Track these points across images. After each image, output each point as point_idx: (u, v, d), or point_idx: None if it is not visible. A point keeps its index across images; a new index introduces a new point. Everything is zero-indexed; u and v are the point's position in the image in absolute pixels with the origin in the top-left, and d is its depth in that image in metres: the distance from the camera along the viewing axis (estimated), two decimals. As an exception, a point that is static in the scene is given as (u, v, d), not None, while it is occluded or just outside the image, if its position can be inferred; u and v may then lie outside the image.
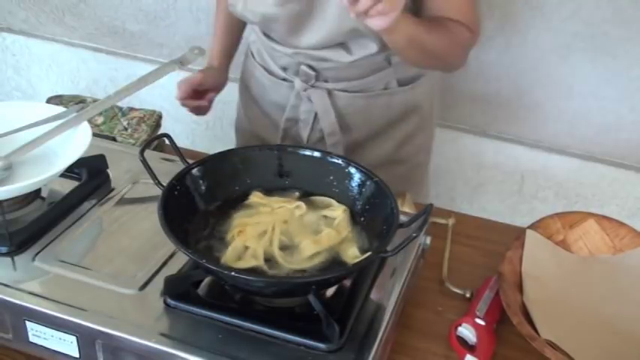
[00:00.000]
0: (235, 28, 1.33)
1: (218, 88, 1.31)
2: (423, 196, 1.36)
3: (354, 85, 1.18)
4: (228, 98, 1.39)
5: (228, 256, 0.80)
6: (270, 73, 1.24)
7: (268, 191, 0.91)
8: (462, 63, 1.13)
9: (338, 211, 0.87)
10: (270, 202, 0.89)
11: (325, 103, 1.19)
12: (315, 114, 1.21)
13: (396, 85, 1.21)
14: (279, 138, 1.27)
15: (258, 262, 0.79)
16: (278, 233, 0.83)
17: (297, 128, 1.25)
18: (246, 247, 0.81)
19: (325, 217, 0.87)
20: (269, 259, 0.80)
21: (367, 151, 1.24)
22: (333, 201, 0.89)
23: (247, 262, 0.79)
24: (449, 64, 1.14)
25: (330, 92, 1.19)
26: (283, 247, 0.82)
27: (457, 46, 1.08)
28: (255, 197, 0.90)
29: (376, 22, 0.88)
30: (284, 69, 1.21)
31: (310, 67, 1.16)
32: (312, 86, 1.18)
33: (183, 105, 1.26)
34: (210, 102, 1.30)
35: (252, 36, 1.28)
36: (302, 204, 0.88)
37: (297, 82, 1.19)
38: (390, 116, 1.23)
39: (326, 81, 1.18)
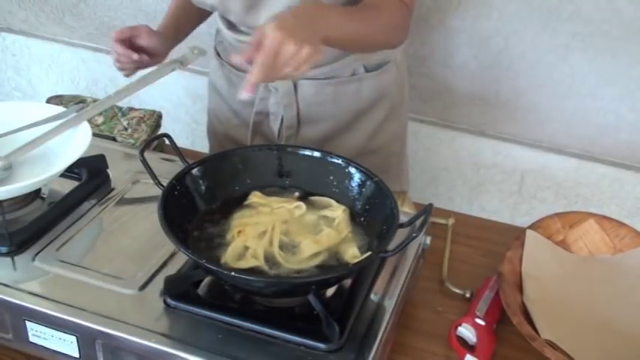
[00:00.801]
0: (189, 12, 1.26)
1: (156, 54, 1.17)
2: (401, 185, 1.36)
3: (321, 73, 1.17)
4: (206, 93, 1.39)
5: (229, 257, 0.80)
6: (238, 68, 1.23)
7: (268, 191, 0.91)
8: (402, 40, 1.10)
9: (338, 211, 0.87)
10: (270, 202, 0.89)
11: (290, 95, 1.19)
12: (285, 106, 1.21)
13: (364, 71, 1.20)
14: (249, 133, 1.26)
15: (259, 262, 0.79)
16: (278, 233, 0.83)
17: (268, 122, 1.24)
18: (247, 247, 0.81)
19: (325, 217, 0.87)
20: (269, 259, 0.80)
21: (338, 143, 1.23)
22: (332, 201, 0.89)
23: (248, 262, 0.79)
24: (387, 44, 1.11)
25: (295, 83, 1.18)
26: (283, 247, 0.82)
27: (391, 26, 1.05)
28: (255, 197, 0.90)
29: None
30: (250, 62, 1.20)
31: None
32: None
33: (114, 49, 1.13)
34: (141, 64, 1.15)
35: (218, 36, 1.29)
36: (301, 204, 0.88)
37: None
38: (359, 105, 1.23)
39: None
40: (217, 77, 1.31)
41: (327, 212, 0.88)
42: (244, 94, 0.80)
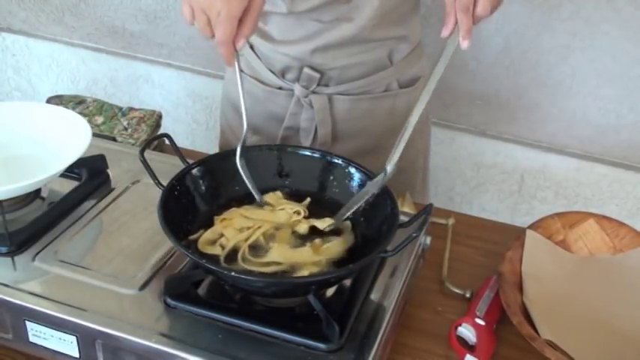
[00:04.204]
0: None
1: None
2: (424, 199, 1.34)
3: (356, 87, 1.15)
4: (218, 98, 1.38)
5: (202, 239, 0.81)
6: (264, 83, 1.19)
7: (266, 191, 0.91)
8: None
9: (333, 242, 0.83)
10: (279, 202, 0.88)
11: (325, 110, 1.16)
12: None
13: (397, 87, 1.18)
14: None
15: (221, 252, 0.80)
16: (259, 233, 0.83)
17: (298, 137, 1.20)
18: (222, 235, 0.82)
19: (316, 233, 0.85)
20: (232, 254, 0.80)
21: (369, 160, 1.17)
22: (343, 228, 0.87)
23: (213, 250, 0.80)
24: None
25: (330, 98, 1.15)
26: (256, 247, 0.82)
27: None
28: (268, 197, 0.89)
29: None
30: (283, 74, 1.17)
31: (314, 69, 1.13)
32: (313, 92, 1.15)
33: None
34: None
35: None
36: (301, 212, 0.87)
37: (297, 88, 1.15)
38: (393, 122, 1.19)
39: (327, 85, 1.15)
40: (236, 92, 1.24)
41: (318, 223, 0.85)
42: None
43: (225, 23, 0.79)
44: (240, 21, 0.81)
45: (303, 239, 0.84)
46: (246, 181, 0.87)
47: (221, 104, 1.33)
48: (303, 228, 0.85)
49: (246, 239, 0.82)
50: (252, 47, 1.20)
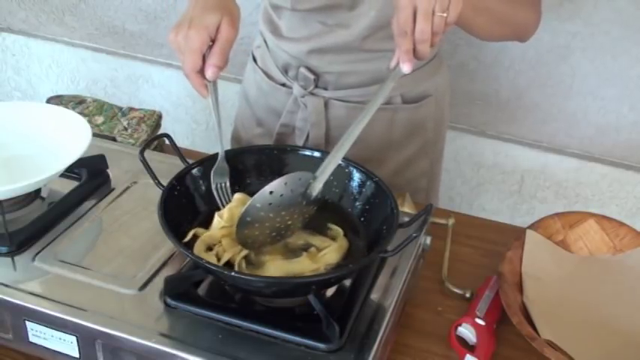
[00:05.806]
0: None
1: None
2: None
3: (354, 95, 1.15)
4: (226, 98, 1.38)
5: (200, 243, 0.81)
6: (270, 77, 1.21)
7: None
8: (533, 25, 1.09)
9: (329, 248, 0.83)
10: None
11: (320, 113, 1.16)
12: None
13: (400, 102, 1.17)
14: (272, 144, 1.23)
15: (218, 262, 0.79)
16: None
17: (293, 137, 1.22)
18: (220, 243, 0.82)
19: (312, 245, 0.84)
20: (228, 265, 0.79)
21: None
22: (337, 231, 0.86)
23: (209, 258, 0.79)
24: (521, 27, 1.09)
25: (327, 102, 1.16)
26: (251, 260, 0.81)
27: (524, 3, 1.04)
28: None
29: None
30: (285, 71, 1.18)
31: (310, 70, 1.14)
32: (311, 93, 1.16)
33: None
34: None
35: (257, 40, 1.27)
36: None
37: (296, 88, 1.16)
38: (390, 137, 1.19)
39: (325, 88, 1.15)
40: (248, 82, 1.29)
41: (316, 241, 0.85)
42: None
43: (187, 56, 0.85)
44: (211, 52, 0.85)
45: (298, 249, 0.83)
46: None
47: (238, 96, 1.35)
48: (298, 244, 0.84)
49: (241, 250, 0.81)
50: (265, 41, 1.22)
